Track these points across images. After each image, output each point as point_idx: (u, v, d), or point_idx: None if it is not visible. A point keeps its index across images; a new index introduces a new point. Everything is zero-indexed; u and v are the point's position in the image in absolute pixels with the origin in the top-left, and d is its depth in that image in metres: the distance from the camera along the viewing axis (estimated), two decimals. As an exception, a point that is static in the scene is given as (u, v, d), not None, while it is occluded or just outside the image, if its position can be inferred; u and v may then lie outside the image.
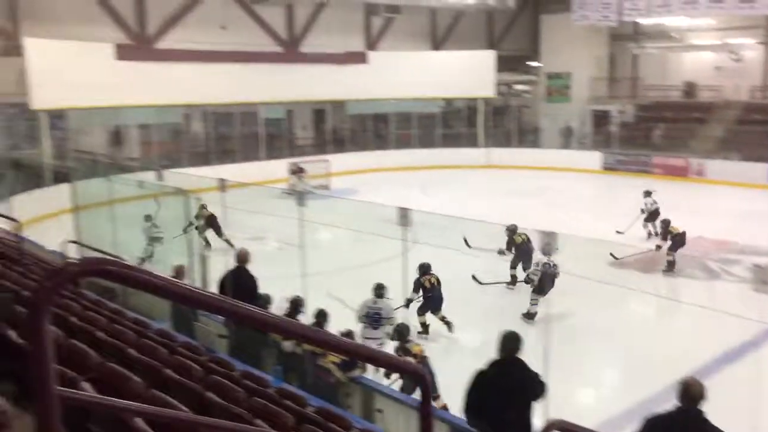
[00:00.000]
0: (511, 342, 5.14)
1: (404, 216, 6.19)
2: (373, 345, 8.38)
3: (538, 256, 10.88)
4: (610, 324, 10.65)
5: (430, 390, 1.78)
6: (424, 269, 10.21)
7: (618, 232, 15.17)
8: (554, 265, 10.38)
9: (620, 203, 20.55)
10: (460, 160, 27.14)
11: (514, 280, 12.30)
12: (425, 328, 10.23)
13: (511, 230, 12.38)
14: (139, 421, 2.25)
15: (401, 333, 8.01)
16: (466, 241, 12.07)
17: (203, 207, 12.69)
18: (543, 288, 10.45)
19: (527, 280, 11.16)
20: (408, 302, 10.03)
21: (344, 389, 7.36)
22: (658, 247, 13.64)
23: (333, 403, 6.74)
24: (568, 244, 6.03)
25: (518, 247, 12.25)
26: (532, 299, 10.61)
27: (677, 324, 11.23)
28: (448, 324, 10.31)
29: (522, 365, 5.09)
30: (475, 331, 10.44)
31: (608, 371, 9.62)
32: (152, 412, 1.46)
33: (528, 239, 12.14)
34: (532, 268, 11.09)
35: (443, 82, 27.13)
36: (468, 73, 27.56)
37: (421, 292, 10.17)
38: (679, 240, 13.20)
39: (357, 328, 8.85)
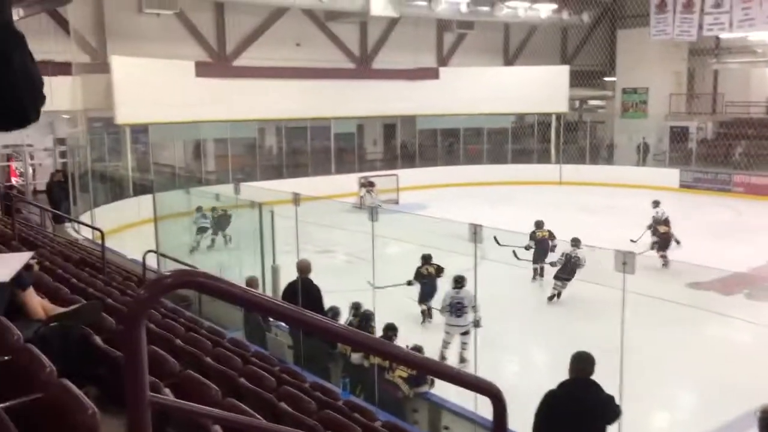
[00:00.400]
0: (582, 362, 5.02)
1: (476, 232, 6.17)
2: (458, 332, 9.65)
3: (566, 248, 12.06)
4: (688, 346, 10.30)
5: (505, 410, 1.78)
6: (425, 259, 11.09)
7: (632, 240, 15.03)
8: (577, 257, 11.66)
9: (697, 222, 19.88)
10: (532, 176, 26.79)
11: (535, 273, 13.28)
12: (425, 314, 10.97)
13: (537, 224, 13.46)
14: (218, 429, 2.32)
15: (367, 318, 8.16)
16: (496, 239, 12.19)
17: (214, 209, 13.90)
18: (564, 274, 11.73)
19: (552, 264, 12.25)
20: (408, 283, 10.94)
21: (411, 404, 7.37)
22: (633, 241, 14.72)
23: (400, 417, 6.76)
24: (641, 264, 5.88)
25: (538, 241, 13.19)
26: (555, 284, 11.90)
27: (759, 348, 10.74)
28: (424, 314, 10.96)
29: (595, 387, 4.96)
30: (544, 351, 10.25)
31: (684, 395, 9.30)
32: (234, 420, 1.51)
33: (550, 236, 13.23)
34: (558, 256, 12.28)
35: (515, 98, 26.90)
36: (541, 88, 27.25)
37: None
38: (663, 238, 14.60)
39: (442, 317, 9.90)
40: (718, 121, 28.40)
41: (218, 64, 23.39)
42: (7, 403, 1.95)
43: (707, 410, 8.42)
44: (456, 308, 9.51)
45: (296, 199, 8.70)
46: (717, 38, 27.56)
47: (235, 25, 23.78)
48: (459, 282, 9.64)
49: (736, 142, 26.61)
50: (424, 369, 1.94)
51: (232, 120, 22.69)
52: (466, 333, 9.48)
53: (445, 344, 9.68)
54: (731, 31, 24.55)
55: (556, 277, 12.00)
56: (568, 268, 11.80)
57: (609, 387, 5.15)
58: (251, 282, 9.73)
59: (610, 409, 5.02)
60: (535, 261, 13.19)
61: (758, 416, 4.05)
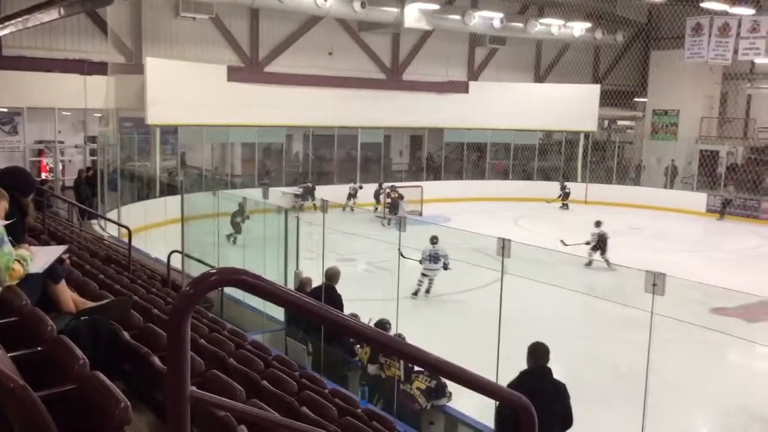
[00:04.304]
0: (537, 353, 5.58)
1: (503, 246, 6.18)
2: (434, 274, 13.25)
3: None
4: (710, 372, 10.16)
5: (534, 424, 1.78)
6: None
7: (563, 242, 15.89)
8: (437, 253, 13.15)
9: (722, 248, 19.67)
10: (557, 194, 26.67)
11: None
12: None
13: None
14: (243, 429, 2.35)
15: (383, 327, 8.04)
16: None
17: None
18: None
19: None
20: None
21: (428, 417, 7.34)
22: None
23: (416, 429, 6.75)
24: (668, 287, 5.86)
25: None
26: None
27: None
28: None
29: (550, 374, 5.52)
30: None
31: (707, 420, 9.16)
32: (269, 419, 1.53)
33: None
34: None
35: (544, 114, 26.83)
36: (570, 106, 27.15)
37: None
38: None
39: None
40: (749, 146, 28.08)
41: (250, 69, 23.61)
42: (42, 393, 1.99)
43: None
44: (433, 258, 13.10)
45: (324, 206, 8.74)
46: (752, 63, 27.27)
47: (268, 32, 24.01)
48: (434, 240, 13.14)
49: (767, 168, 26.27)
50: (449, 376, 1.93)
51: (261, 125, 22.87)
52: (435, 276, 13.21)
53: (420, 283, 13.27)
54: (767, 56, 24.30)
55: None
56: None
57: (631, 410, 5.12)
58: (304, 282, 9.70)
59: (563, 395, 5.46)
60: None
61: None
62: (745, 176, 26.82)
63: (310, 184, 23.01)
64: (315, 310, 1.48)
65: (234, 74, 22.34)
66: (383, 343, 1.83)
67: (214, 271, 1.31)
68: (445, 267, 13.22)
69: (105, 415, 1.90)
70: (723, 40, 24.86)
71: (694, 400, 9.32)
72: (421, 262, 13.10)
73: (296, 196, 22.26)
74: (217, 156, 24.96)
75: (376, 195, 23.56)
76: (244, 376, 3.96)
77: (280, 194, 18.41)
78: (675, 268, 14.36)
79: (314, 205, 20.15)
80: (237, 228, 15.29)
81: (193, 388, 2.87)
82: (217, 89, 21.38)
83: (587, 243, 15.99)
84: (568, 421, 5.45)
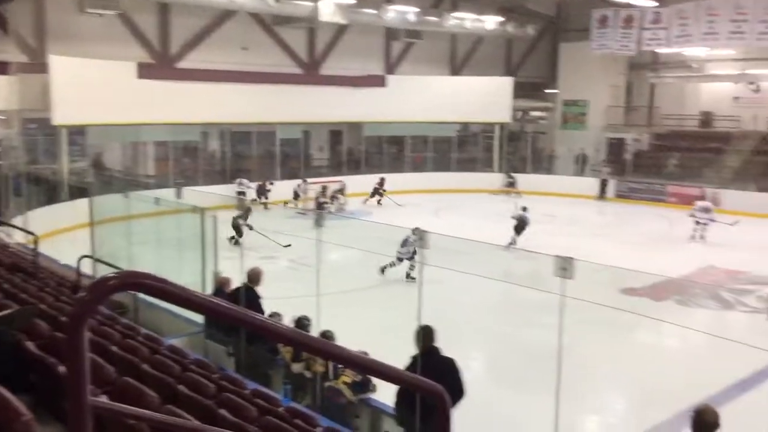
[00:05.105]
0: (425, 335, 5.86)
1: (421, 237, 6.28)
2: (401, 256, 13.96)
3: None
4: (621, 351, 10.59)
5: (448, 409, 1.81)
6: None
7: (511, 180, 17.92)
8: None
9: (630, 231, 20.56)
10: (475, 185, 27.20)
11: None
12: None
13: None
14: (157, 435, 2.29)
15: (302, 325, 8.06)
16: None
17: None
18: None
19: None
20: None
21: (353, 410, 7.36)
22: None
23: (342, 424, 6.75)
24: (578, 270, 6.10)
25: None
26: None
27: (689, 353, 11.15)
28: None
29: (437, 351, 5.84)
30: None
31: (618, 399, 9.55)
32: (174, 423, 1.50)
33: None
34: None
35: (460, 107, 27.27)
36: (485, 98, 27.69)
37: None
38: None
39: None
40: (654, 133, 29.37)
41: (161, 65, 22.95)
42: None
43: (637, 414, 8.68)
44: (404, 242, 13.68)
45: (242, 205, 8.60)
46: (654, 53, 28.52)
47: (179, 27, 23.38)
48: (415, 231, 13.42)
49: (670, 153, 27.58)
50: (367, 370, 1.95)
51: (175, 123, 22.25)
52: (404, 259, 13.87)
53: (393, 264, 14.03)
54: (669, 46, 25.46)
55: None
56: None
57: (546, 391, 5.26)
58: (223, 281, 9.42)
59: (453, 369, 5.75)
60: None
61: (691, 416, 4.19)
62: (651, 161, 28.09)
63: (264, 183, 23.07)
64: (226, 312, 1.46)
65: (144, 71, 21.65)
66: (300, 342, 1.82)
67: (113, 274, 1.27)
68: (411, 257, 13.68)
69: (6, 430, 1.81)
70: (627, 31, 25.92)
71: (606, 379, 9.70)
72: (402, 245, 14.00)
73: (239, 193, 22.11)
74: (129, 156, 24.15)
75: (296, 193, 23.41)
76: (159, 382, 3.87)
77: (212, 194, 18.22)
78: (587, 251, 14.96)
79: (265, 204, 21.38)
80: (238, 231, 14.89)
81: (102, 397, 2.79)
82: (126, 87, 20.68)
83: (512, 217, 17.15)
84: (460, 393, 5.66)
